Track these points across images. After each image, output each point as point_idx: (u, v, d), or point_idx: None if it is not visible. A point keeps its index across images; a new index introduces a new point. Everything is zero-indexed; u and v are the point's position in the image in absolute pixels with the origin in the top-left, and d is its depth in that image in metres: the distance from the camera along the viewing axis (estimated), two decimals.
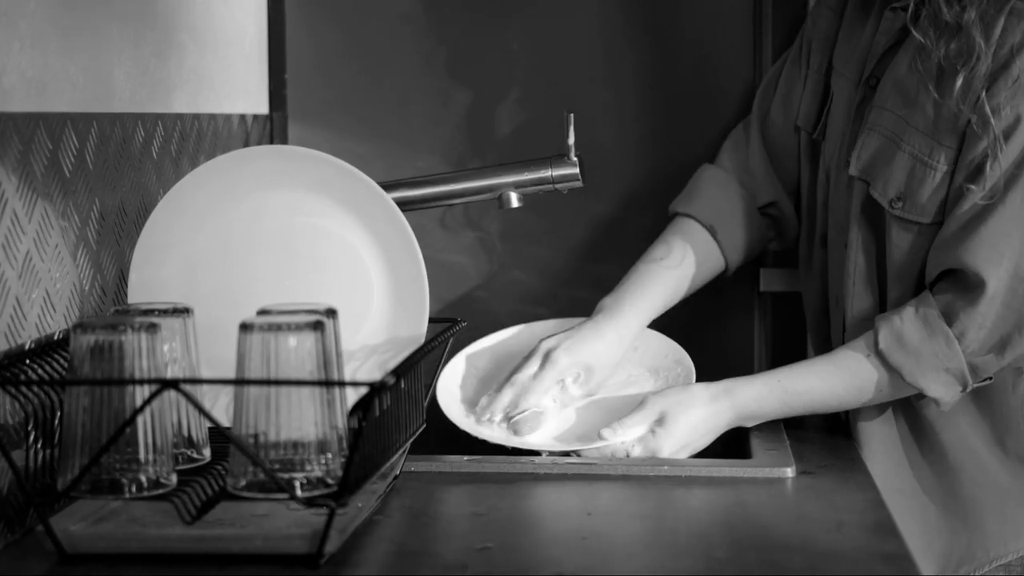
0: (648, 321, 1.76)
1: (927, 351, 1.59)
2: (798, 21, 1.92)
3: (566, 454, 1.61)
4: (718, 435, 1.64)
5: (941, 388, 1.60)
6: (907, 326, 1.60)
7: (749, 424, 1.66)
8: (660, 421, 1.60)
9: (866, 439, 1.71)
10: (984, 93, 1.56)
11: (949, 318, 1.58)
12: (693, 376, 1.72)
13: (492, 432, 1.66)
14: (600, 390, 1.72)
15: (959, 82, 1.56)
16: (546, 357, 1.68)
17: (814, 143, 1.81)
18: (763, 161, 1.85)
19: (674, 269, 1.79)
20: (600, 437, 1.59)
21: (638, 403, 1.62)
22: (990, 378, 1.63)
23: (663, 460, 1.57)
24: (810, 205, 1.81)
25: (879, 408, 1.70)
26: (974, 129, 1.57)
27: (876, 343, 1.61)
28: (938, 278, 1.61)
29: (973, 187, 1.57)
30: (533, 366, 1.68)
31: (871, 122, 1.67)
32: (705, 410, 1.61)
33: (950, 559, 1.67)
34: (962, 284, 1.58)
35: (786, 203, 1.85)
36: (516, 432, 1.65)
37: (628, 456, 1.59)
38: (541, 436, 1.66)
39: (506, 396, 1.67)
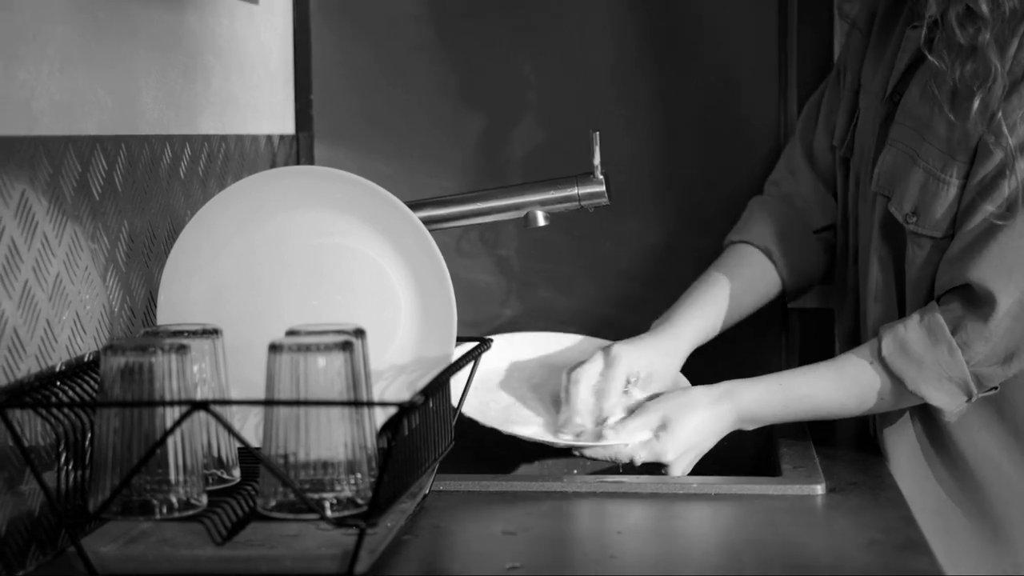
0: (702, 337, 1.77)
1: (930, 359, 1.58)
2: (824, 39, 1.92)
3: (571, 453, 1.61)
4: (721, 437, 1.63)
5: (944, 397, 1.60)
6: (911, 334, 1.59)
7: (750, 427, 1.66)
8: (663, 426, 1.60)
9: (892, 456, 1.70)
10: (1000, 111, 1.56)
11: (955, 328, 1.58)
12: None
13: (523, 429, 1.65)
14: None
15: (976, 104, 1.56)
16: (608, 357, 1.68)
17: (846, 160, 1.81)
18: (813, 186, 1.85)
19: (728, 288, 1.79)
20: (603, 437, 1.59)
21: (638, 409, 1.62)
22: (995, 388, 1.62)
23: (692, 478, 1.57)
24: (843, 222, 1.81)
25: (904, 425, 1.70)
26: (987, 145, 1.57)
27: (879, 350, 1.61)
28: (946, 292, 1.61)
29: (985, 203, 1.57)
30: (597, 364, 1.67)
31: (891, 137, 1.68)
32: (707, 413, 1.61)
33: None
34: (972, 300, 1.58)
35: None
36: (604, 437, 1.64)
37: (632, 462, 1.59)
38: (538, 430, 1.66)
39: (583, 399, 1.66)
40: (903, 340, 1.60)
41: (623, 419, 1.62)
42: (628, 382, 1.68)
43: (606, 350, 1.69)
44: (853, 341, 1.79)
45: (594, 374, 1.67)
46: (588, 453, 1.61)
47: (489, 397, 1.71)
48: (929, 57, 1.60)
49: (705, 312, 1.77)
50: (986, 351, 1.58)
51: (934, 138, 1.62)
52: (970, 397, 1.60)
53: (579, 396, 1.66)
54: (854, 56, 1.81)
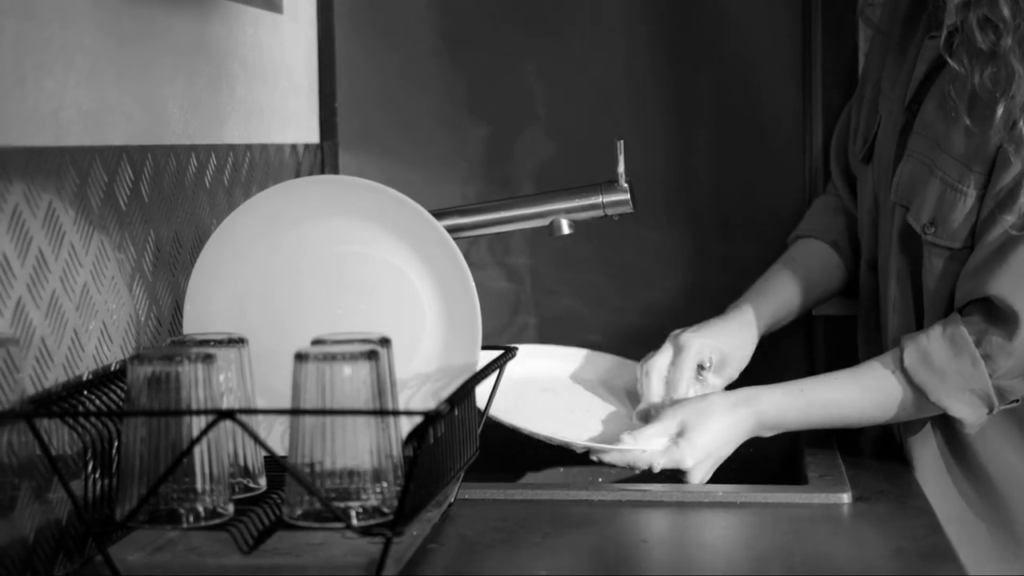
0: (772, 323, 1.79)
1: (952, 371, 1.57)
2: (847, 44, 1.92)
3: (589, 458, 1.61)
4: (739, 444, 1.63)
5: (965, 408, 1.59)
6: (934, 345, 1.58)
7: (769, 434, 1.64)
8: (681, 432, 1.59)
9: (917, 466, 1.69)
10: (1021, 119, 1.55)
11: (979, 342, 1.57)
12: None
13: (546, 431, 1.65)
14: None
15: (1000, 111, 1.55)
16: (677, 344, 1.68)
17: (863, 167, 1.80)
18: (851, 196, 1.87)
19: (796, 278, 1.81)
20: (619, 441, 1.59)
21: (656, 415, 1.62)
22: (1017, 401, 1.61)
23: (717, 487, 1.56)
24: (860, 229, 1.81)
25: (927, 436, 1.69)
26: (1006, 155, 1.56)
27: (901, 360, 1.59)
28: (967, 303, 1.59)
29: (1004, 215, 1.56)
30: (666, 353, 1.69)
31: (910, 147, 1.67)
32: (726, 419, 1.60)
33: None
34: (993, 313, 1.57)
35: None
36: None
37: (651, 468, 1.58)
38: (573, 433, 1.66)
39: (655, 390, 1.67)
40: (926, 351, 1.59)
41: (642, 426, 1.62)
42: (702, 368, 1.69)
43: (674, 337, 1.70)
44: (870, 349, 1.78)
45: (664, 364, 1.69)
46: (606, 458, 1.60)
47: (516, 400, 1.71)
48: (949, 62, 1.58)
49: (776, 298, 1.79)
50: (1008, 365, 1.57)
51: (951, 148, 1.61)
52: (991, 409, 1.59)
53: (652, 388, 1.69)
54: (875, 62, 1.80)
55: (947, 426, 1.67)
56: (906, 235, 1.67)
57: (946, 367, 1.58)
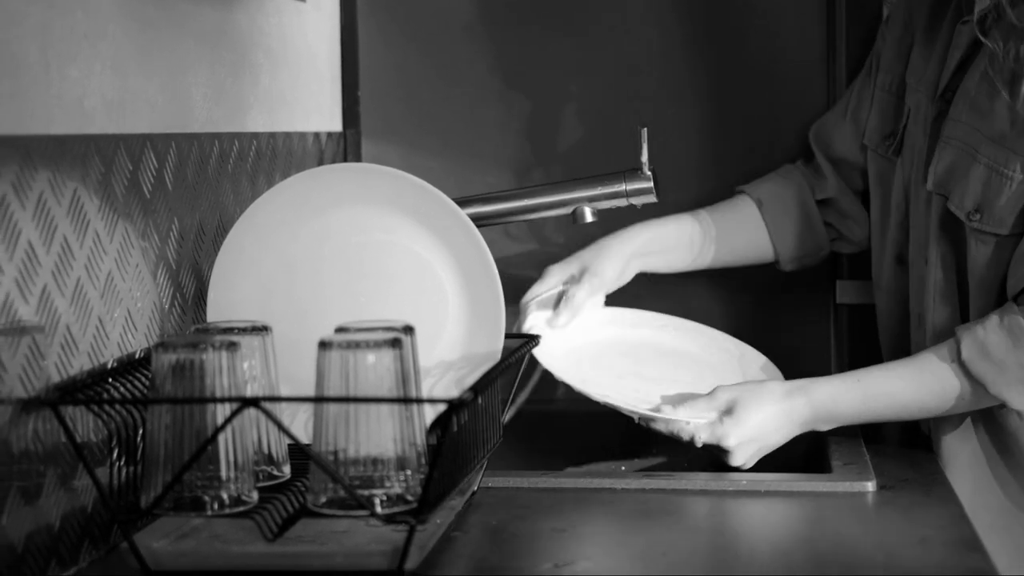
0: (653, 248, 1.81)
1: (1012, 362, 1.56)
2: (873, 32, 1.91)
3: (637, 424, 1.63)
4: (792, 435, 1.61)
5: None
6: (991, 336, 1.57)
7: (826, 427, 1.63)
8: (730, 410, 1.59)
9: (950, 456, 1.68)
10: None
11: None
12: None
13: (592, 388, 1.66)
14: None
15: (1022, 89, 1.54)
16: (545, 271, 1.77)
17: (883, 162, 1.79)
18: (826, 167, 1.85)
19: (707, 223, 1.82)
20: (661, 411, 1.60)
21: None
22: None
23: (741, 475, 1.56)
24: (883, 225, 1.79)
25: (961, 425, 1.68)
26: None
27: (959, 352, 1.58)
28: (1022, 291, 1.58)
29: None
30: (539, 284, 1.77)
31: (945, 136, 1.65)
32: (779, 407, 1.59)
33: None
34: None
35: (849, 202, 1.85)
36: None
37: (694, 441, 1.58)
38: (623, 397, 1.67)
39: (534, 314, 1.74)
40: (983, 342, 1.57)
41: (695, 398, 1.62)
42: (565, 283, 1.74)
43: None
44: (900, 344, 1.77)
45: (537, 292, 1.75)
46: (653, 425, 1.60)
47: (571, 360, 1.73)
48: (984, 41, 1.58)
49: (662, 230, 1.81)
50: None
51: (993, 133, 1.60)
52: None
53: (530, 313, 1.74)
54: (893, 55, 1.79)
55: (989, 419, 1.66)
56: (947, 224, 1.65)
57: (1005, 358, 1.56)
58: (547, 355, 1.66)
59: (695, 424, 1.58)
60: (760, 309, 1.91)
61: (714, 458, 1.62)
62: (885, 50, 1.81)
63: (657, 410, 1.61)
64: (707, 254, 1.83)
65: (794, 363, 1.90)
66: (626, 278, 1.79)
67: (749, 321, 1.81)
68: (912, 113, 1.74)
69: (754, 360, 1.79)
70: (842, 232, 1.87)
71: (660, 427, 1.60)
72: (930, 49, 1.73)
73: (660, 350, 1.80)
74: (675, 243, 1.81)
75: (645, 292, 1.87)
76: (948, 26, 1.70)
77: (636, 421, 1.62)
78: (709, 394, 1.61)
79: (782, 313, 1.88)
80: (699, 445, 1.59)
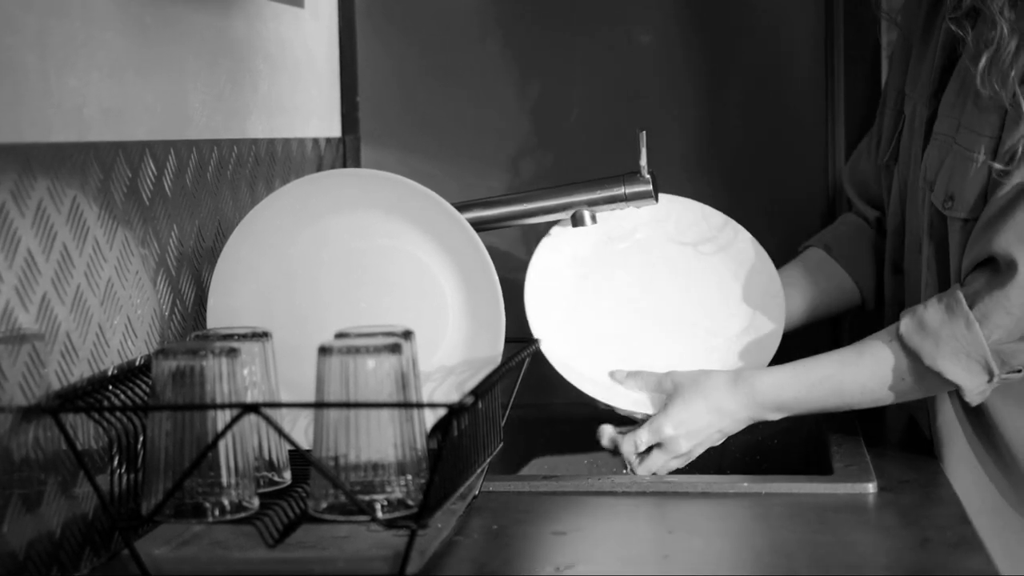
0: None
1: (946, 334, 1.54)
2: (869, 40, 1.91)
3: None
4: (740, 424, 1.61)
5: (962, 373, 1.55)
6: (929, 311, 1.56)
7: (775, 416, 1.62)
8: (671, 396, 1.60)
9: (947, 457, 1.68)
10: (1019, 76, 1.54)
11: (973, 302, 1.54)
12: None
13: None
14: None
15: (982, 62, 1.54)
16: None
17: (888, 174, 1.79)
18: (866, 209, 1.87)
19: (790, 286, 1.80)
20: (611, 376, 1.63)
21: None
22: (1021, 370, 1.56)
23: (743, 477, 1.56)
24: (887, 234, 1.80)
25: (955, 426, 1.68)
26: (1015, 115, 1.54)
27: (897, 328, 1.58)
28: (973, 269, 1.57)
29: (1010, 174, 1.53)
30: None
31: (935, 132, 1.66)
32: (719, 396, 1.60)
33: None
34: (995, 271, 1.54)
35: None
36: None
37: (636, 445, 1.60)
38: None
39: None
40: (921, 318, 1.56)
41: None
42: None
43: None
44: None
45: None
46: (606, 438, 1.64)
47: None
48: (950, 26, 1.59)
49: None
50: (1007, 324, 1.53)
51: (968, 120, 1.60)
52: (991, 376, 1.55)
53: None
54: (896, 73, 1.80)
55: (975, 415, 1.66)
56: (935, 221, 1.66)
57: (939, 330, 1.55)
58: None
59: (626, 435, 1.60)
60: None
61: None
62: (892, 71, 1.82)
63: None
64: (790, 315, 1.80)
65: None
66: None
67: None
68: (907, 120, 1.74)
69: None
70: None
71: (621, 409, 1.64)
72: (923, 53, 1.73)
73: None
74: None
75: None
76: (940, 30, 1.71)
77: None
78: (657, 383, 1.63)
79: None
80: (643, 448, 1.60)
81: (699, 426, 1.60)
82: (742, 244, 1.78)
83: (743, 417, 1.61)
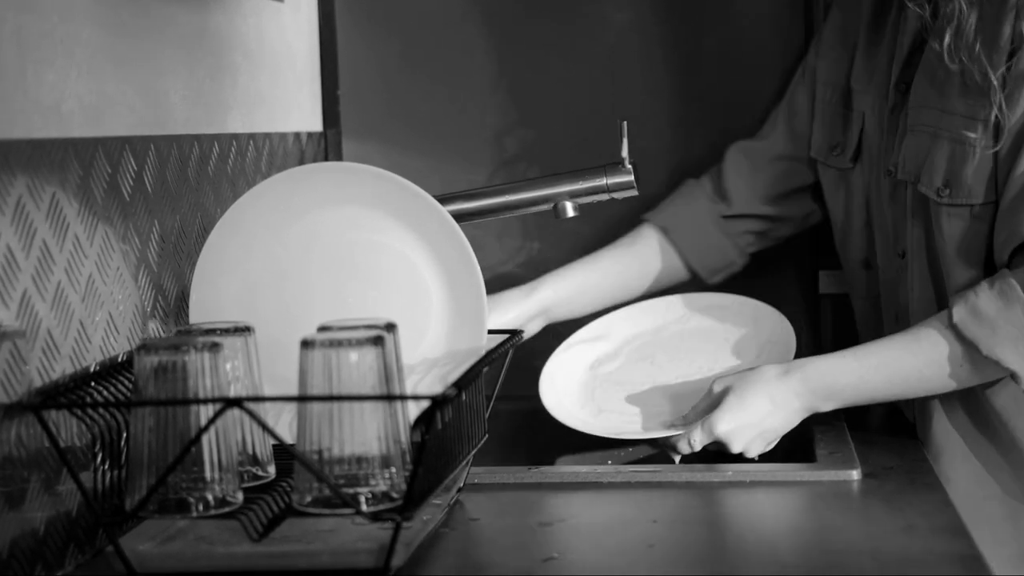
0: (560, 298, 1.85)
1: (1003, 321, 1.53)
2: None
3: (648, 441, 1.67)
4: (795, 416, 1.59)
5: (1020, 360, 1.54)
6: (982, 298, 1.55)
7: (828, 406, 1.60)
8: (724, 395, 1.59)
9: (940, 448, 1.68)
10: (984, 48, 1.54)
11: None
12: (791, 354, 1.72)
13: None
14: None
15: (947, 39, 1.55)
16: None
17: (834, 173, 1.79)
18: (744, 176, 1.88)
19: (616, 260, 1.86)
20: (672, 426, 1.63)
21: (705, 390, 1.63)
22: None
23: (727, 466, 1.56)
24: (845, 232, 1.80)
25: (945, 409, 1.68)
26: (1013, 94, 1.54)
27: (950, 317, 1.56)
28: (1013, 254, 1.56)
29: None
30: None
31: (911, 124, 1.66)
32: (772, 387, 1.58)
33: None
34: None
35: (766, 210, 1.88)
36: None
37: (691, 445, 1.59)
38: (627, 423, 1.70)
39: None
40: (974, 305, 1.55)
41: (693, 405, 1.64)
42: None
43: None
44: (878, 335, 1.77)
45: None
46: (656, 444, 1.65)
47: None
48: (910, 6, 1.60)
49: (571, 277, 1.85)
50: None
51: (952, 106, 1.60)
52: None
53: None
54: (832, 68, 1.80)
55: (973, 405, 1.66)
56: (918, 211, 1.66)
57: (996, 318, 1.54)
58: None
59: (687, 433, 1.59)
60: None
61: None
62: (821, 63, 1.82)
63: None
64: (619, 293, 1.86)
65: None
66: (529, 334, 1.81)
67: None
68: (867, 116, 1.74)
69: (768, 317, 1.80)
70: (758, 235, 1.89)
71: (664, 444, 1.63)
72: (877, 48, 1.73)
73: (679, 335, 1.82)
74: (578, 291, 1.85)
75: None
76: (894, 20, 1.71)
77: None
78: (706, 395, 1.62)
79: (765, 303, 1.88)
80: (698, 448, 1.59)
81: (752, 420, 1.57)
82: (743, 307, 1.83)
83: (797, 407, 1.59)
